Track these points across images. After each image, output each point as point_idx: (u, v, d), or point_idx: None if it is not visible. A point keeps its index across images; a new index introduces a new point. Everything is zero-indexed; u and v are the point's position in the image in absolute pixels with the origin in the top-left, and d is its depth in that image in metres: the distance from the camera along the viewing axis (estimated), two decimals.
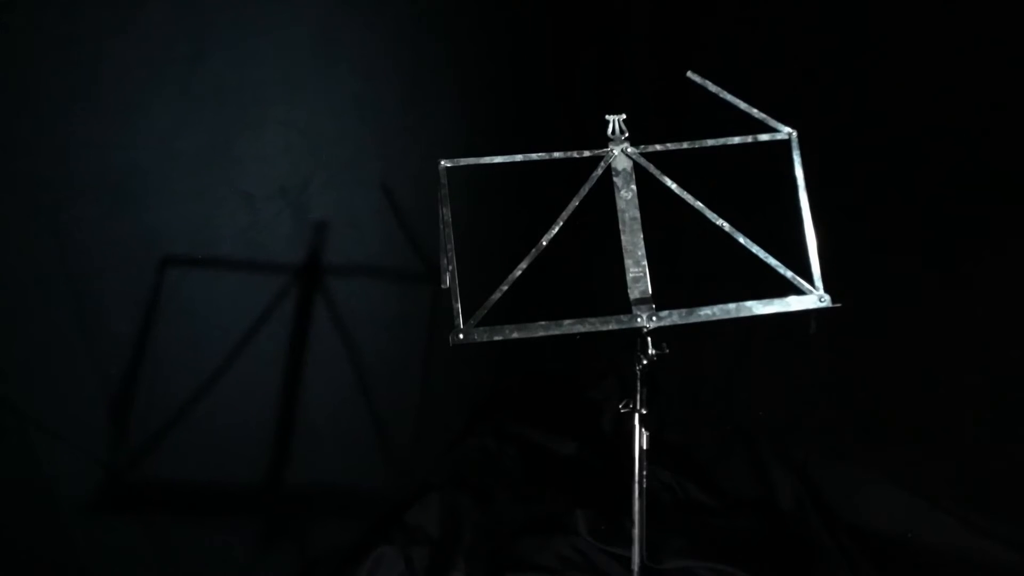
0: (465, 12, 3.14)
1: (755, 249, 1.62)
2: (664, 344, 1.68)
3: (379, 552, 2.46)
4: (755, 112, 1.71)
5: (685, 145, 1.70)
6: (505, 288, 1.61)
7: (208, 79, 1.96)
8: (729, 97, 1.71)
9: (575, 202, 1.65)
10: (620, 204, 1.68)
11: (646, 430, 1.80)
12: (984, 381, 2.51)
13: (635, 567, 1.96)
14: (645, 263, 1.66)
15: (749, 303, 1.61)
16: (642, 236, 1.67)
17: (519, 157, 1.72)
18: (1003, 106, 2.39)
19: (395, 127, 2.71)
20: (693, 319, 1.62)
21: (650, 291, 1.65)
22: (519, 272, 1.62)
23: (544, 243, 1.65)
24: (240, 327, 2.14)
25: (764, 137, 1.70)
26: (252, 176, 2.15)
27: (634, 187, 1.69)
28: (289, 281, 2.28)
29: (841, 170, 2.65)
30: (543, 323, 1.61)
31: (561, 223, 1.65)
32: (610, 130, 1.73)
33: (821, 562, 2.48)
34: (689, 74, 1.73)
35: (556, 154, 1.73)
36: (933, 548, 2.49)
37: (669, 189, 1.67)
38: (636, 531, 1.91)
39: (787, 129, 1.69)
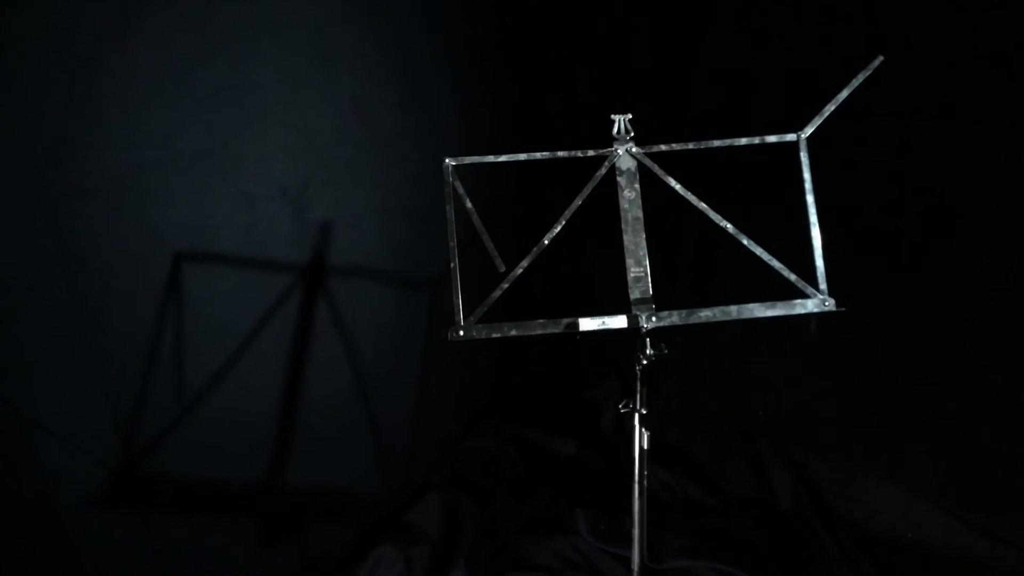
0: (465, 12, 3.14)
1: (759, 251, 1.62)
2: (663, 344, 1.68)
3: (379, 552, 2.46)
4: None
5: (691, 146, 1.69)
6: (506, 286, 1.61)
7: (208, 79, 1.96)
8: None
9: (578, 201, 1.65)
10: (623, 204, 1.68)
11: (646, 430, 1.80)
12: (984, 381, 2.51)
13: (635, 567, 1.96)
14: (647, 263, 1.66)
15: (751, 305, 1.61)
16: (644, 236, 1.67)
17: (523, 156, 1.72)
18: (1006, 108, 2.38)
19: (395, 127, 2.71)
20: (693, 320, 1.62)
21: (651, 291, 1.65)
22: (520, 270, 1.62)
23: (546, 242, 1.64)
24: (240, 327, 2.14)
25: (772, 139, 1.69)
26: (252, 176, 2.14)
27: (638, 187, 1.69)
28: (289, 281, 2.28)
29: (841, 172, 2.65)
30: (542, 321, 1.61)
31: (564, 222, 1.65)
32: (615, 129, 1.72)
33: (821, 562, 2.48)
34: None
35: (560, 153, 1.72)
36: (933, 548, 2.49)
37: (673, 190, 1.67)
38: (636, 531, 1.91)
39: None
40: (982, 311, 2.49)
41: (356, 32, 2.48)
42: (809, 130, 1.66)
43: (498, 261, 1.63)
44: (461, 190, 1.66)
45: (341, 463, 2.55)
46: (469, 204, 1.66)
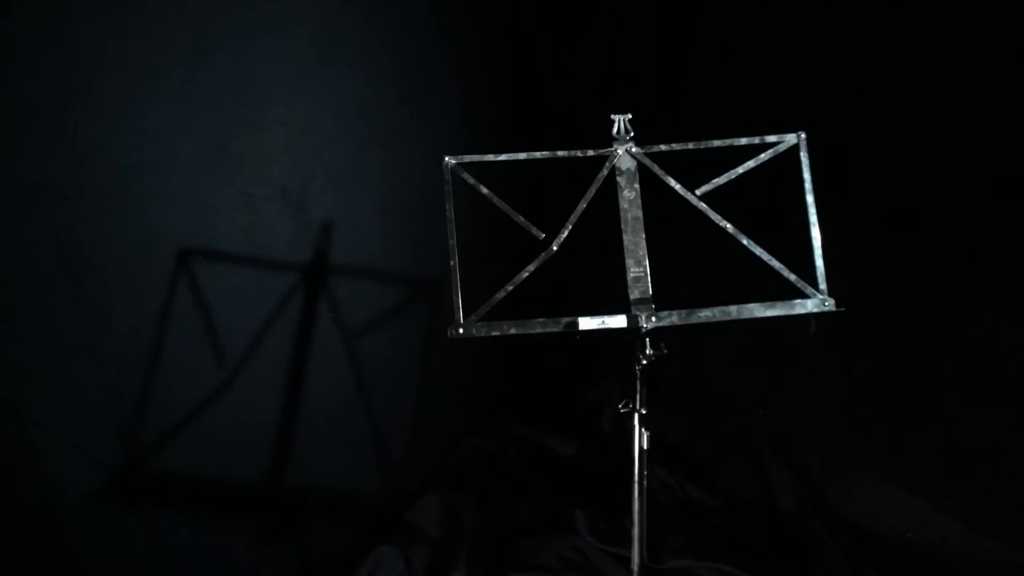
0: (465, 12, 3.14)
1: (759, 251, 1.62)
2: (663, 344, 1.67)
3: (379, 552, 2.46)
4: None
5: (691, 146, 1.69)
6: (510, 288, 1.61)
7: (208, 79, 1.96)
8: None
9: (583, 204, 1.65)
10: (623, 204, 1.68)
11: (646, 430, 1.80)
12: (984, 381, 2.51)
13: (635, 567, 1.96)
14: (646, 263, 1.66)
15: (751, 305, 1.60)
16: (644, 236, 1.66)
17: (523, 155, 1.72)
18: (1006, 110, 2.38)
19: (395, 127, 2.71)
20: (693, 320, 1.62)
21: (651, 291, 1.65)
22: (526, 274, 1.62)
23: (555, 248, 1.64)
24: (240, 327, 2.14)
25: (772, 139, 1.69)
26: (252, 176, 2.14)
27: (637, 187, 1.68)
28: (289, 281, 2.28)
29: (841, 172, 2.65)
30: (541, 320, 1.61)
31: (571, 226, 1.64)
32: (615, 129, 1.72)
33: (821, 562, 2.48)
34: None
35: (560, 153, 1.72)
36: (933, 548, 2.49)
37: (673, 190, 1.67)
38: (636, 531, 1.91)
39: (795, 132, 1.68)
40: (982, 311, 2.49)
41: (356, 32, 2.48)
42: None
43: (535, 230, 1.63)
44: (472, 180, 1.66)
45: (341, 463, 2.55)
46: (485, 190, 1.65)
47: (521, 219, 1.64)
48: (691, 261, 3.44)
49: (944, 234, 2.55)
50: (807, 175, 1.64)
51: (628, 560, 1.99)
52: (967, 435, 2.56)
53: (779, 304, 1.60)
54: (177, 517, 2.00)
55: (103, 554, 1.81)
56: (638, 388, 1.76)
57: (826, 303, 1.60)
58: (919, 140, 2.57)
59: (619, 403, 1.83)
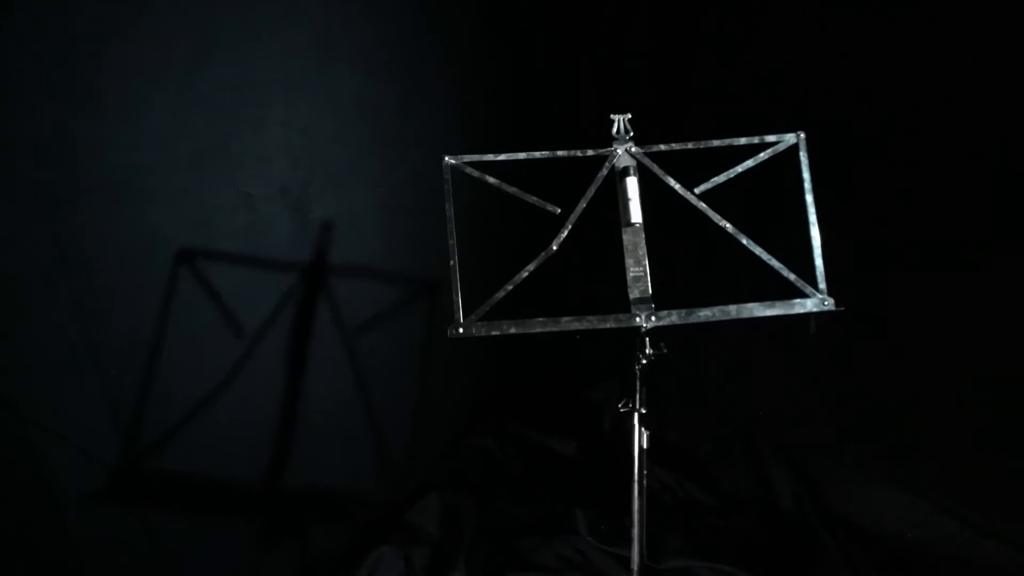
0: (465, 12, 3.14)
1: (758, 251, 1.62)
2: (662, 344, 1.67)
3: (379, 552, 2.46)
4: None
5: (690, 145, 1.69)
6: (510, 287, 1.61)
7: (208, 79, 1.96)
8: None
9: (583, 204, 1.65)
10: (623, 203, 1.68)
11: (646, 430, 1.80)
12: (984, 382, 2.51)
13: (635, 567, 1.96)
14: (646, 263, 1.66)
15: (750, 305, 1.60)
16: (644, 236, 1.66)
17: (523, 155, 1.72)
18: (1006, 110, 2.38)
19: (395, 127, 2.71)
20: (692, 320, 1.61)
21: (650, 291, 1.65)
22: (526, 273, 1.62)
23: (555, 247, 1.64)
24: (240, 327, 2.14)
25: (771, 138, 1.68)
26: (252, 176, 2.15)
27: (637, 187, 1.68)
28: (289, 281, 2.28)
29: (842, 173, 2.65)
30: (541, 319, 1.61)
31: (570, 226, 1.64)
32: (615, 129, 1.72)
33: (821, 562, 2.48)
34: None
35: (560, 152, 1.72)
36: (933, 548, 2.49)
37: (672, 189, 1.67)
38: (636, 531, 1.91)
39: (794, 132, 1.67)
40: (982, 311, 2.49)
41: (356, 32, 2.48)
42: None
43: (550, 207, 1.63)
44: (477, 173, 1.66)
45: (342, 463, 2.55)
46: (492, 179, 1.66)
47: (533, 199, 1.64)
48: (691, 261, 3.44)
49: (944, 234, 2.55)
50: (806, 175, 1.64)
51: (628, 560, 1.99)
52: (967, 435, 2.56)
53: (779, 304, 1.60)
54: (177, 517, 2.00)
55: (103, 554, 1.81)
56: (638, 388, 1.76)
57: (826, 303, 1.60)
58: (919, 140, 2.57)
59: (619, 403, 1.83)
